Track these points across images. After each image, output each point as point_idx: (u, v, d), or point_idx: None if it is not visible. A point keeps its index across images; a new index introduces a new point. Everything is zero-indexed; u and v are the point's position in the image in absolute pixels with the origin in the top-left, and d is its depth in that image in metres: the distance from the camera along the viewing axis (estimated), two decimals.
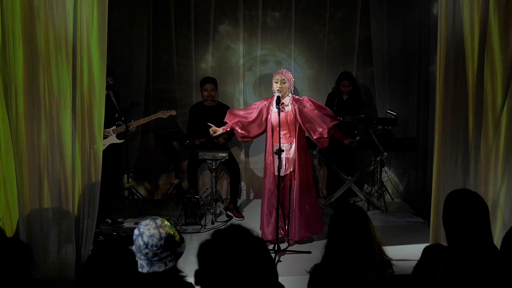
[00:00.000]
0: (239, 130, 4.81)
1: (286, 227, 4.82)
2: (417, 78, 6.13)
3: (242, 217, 5.74)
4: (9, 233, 3.64)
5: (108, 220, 5.39)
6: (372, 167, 6.29)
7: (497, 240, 3.20)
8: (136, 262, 2.25)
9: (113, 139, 5.31)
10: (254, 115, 4.79)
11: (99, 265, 2.11)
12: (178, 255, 2.37)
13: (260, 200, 4.98)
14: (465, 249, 2.30)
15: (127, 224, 5.46)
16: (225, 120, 4.89)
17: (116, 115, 5.41)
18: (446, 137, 3.85)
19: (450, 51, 3.78)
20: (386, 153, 5.62)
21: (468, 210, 2.33)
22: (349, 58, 6.55)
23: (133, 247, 2.34)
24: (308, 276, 2.51)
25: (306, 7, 6.47)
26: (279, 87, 4.64)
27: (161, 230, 2.30)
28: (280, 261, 4.44)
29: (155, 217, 2.43)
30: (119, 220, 5.49)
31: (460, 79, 3.73)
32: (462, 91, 3.73)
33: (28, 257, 2.61)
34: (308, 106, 4.69)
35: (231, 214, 5.78)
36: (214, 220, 5.49)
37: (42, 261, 3.69)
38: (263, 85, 6.45)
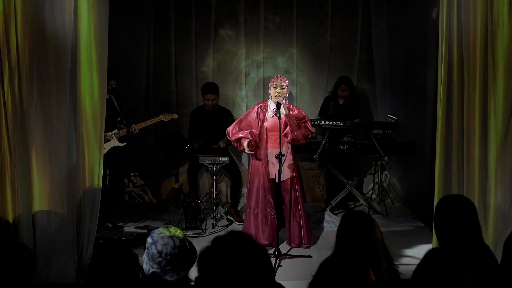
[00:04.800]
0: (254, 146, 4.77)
1: (288, 232, 4.85)
2: (418, 82, 6.15)
3: (243, 221, 5.73)
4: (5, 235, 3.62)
5: (108, 224, 5.38)
6: (372, 171, 6.29)
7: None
8: (139, 265, 2.23)
9: (114, 143, 5.32)
10: (257, 127, 4.76)
11: (103, 267, 2.10)
12: (190, 264, 2.34)
13: None
14: (457, 249, 2.34)
15: (128, 228, 5.45)
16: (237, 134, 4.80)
17: (118, 119, 5.42)
18: (449, 141, 3.84)
19: (452, 54, 3.78)
20: (386, 158, 5.61)
21: (459, 212, 2.42)
22: (350, 62, 6.57)
23: (144, 255, 2.33)
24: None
25: (307, 11, 6.49)
26: (279, 93, 4.66)
27: (175, 239, 2.28)
28: (281, 265, 4.44)
29: (168, 225, 2.42)
30: (119, 224, 5.48)
31: (463, 83, 3.74)
32: (465, 94, 3.73)
33: (32, 264, 2.60)
34: (296, 111, 4.76)
35: (232, 218, 5.78)
36: (214, 224, 5.49)
37: (43, 265, 3.69)
38: (264, 89, 6.45)
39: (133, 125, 5.40)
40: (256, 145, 4.75)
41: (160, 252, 2.25)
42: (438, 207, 2.51)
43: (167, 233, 2.29)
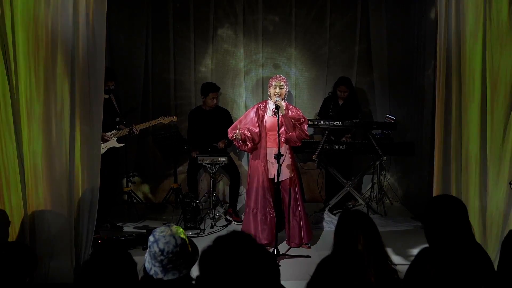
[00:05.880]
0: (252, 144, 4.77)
1: (287, 232, 4.87)
2: (416, 82, 6.16)
3: (241, 221, 5.73)
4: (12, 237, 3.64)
5: (107, 224, 5.38)
6: (371, 172, 6.29)
7: None
8: (135, 265, 2.23)
9: (113, 143, 5.32)
10: (257, 125, 4.77)
11: (98, 268, 2.10)
12: (192, 262, 2.34)
13: None
14: (447, 249, 2.35)
15: (127, 228, 5.45)
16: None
17: (117, 119, 5.43)
18: (447, 141, 3.85)
19: (450, 54, 3.79)
20: (385, 158, 5.62)
21: (447, 212, 2.44)
22: (349, 62, 6.58)
23: (146, 253, 2.33)
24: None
25: (306, 11, 6.49)
26: (278, 92, 4.68)
27: (177, 237, 2.28)
28: (280, 265, 4.44)
29: (169, 223, 2.41)
30: (118, 224, 5.48)
31: (461, 83, 3.74)
32: (463, 94, 3.73)
33: (34, 263, 2.61)
34: (294, 111, 4.75)
35: (230, 219, 5.79)
36: (213, 224, 5.49)
37: (42, 265, 3.68)
38: (263, 89, 6.46)
39: (134, 126, 5.43)
40: (255, 143, 4.75)
41: (162, 251, 2.25)
42: (427, 208, 2.52)
43: (169, 232, 2.30)
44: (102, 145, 5.00)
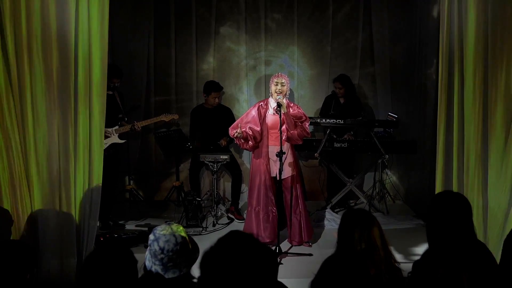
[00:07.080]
0: (254, 143, 4.79)
1: (289, 230, 4.88)
2: (418, 80, 6.15)
3: (243, 219, 5.73)
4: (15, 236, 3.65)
5: (109, 222, 5.39)
6: (373, 170, 6.29)
7: None
8: (135, 262, 2.24)
9: (114, 139, 5.34)
10: (258, 124, 4.79)
11: (98, 265, 2.11)
12: (192, 261, 2.35)
13: None
14: (452, 248, 2.34)
15: (128, 226, 5.47)
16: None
17: (120, 116, 5.45)
18: (449, 140, 3.84)
19: (453, 53, 3.78)
20: (387, 156, 5.61)
21: (452, 209, 2.42)
22: (351, 61, 6.57)
23: (146, 252, 2.34)
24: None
25: (308, 9, 6.49)
26: (279, 89, 4.68)
27: (177, 236, 2.29)
28: (281, 263, 4.44)
29: (169, 222, 2.42)
30: (120, 222, 5.49)
31: (463, 81, 3.73)
32: (465, 93, 3.72)
33: (33, 260, 2.62)
34: (295, 109, 4.76)
35: (232, 217, 5.79)
36: (215, 222, 5.50)
37: (44, 264, 3.69)
38: (265, 86, 6.46)
39: (136, 122, 5.45)
40: (256, 141, 4.75)
41: (162, 249, 2.25)
42: (432, 202, 2.50)
43: (169, 230, 2.30)
44: (104, 141, 5.01)
